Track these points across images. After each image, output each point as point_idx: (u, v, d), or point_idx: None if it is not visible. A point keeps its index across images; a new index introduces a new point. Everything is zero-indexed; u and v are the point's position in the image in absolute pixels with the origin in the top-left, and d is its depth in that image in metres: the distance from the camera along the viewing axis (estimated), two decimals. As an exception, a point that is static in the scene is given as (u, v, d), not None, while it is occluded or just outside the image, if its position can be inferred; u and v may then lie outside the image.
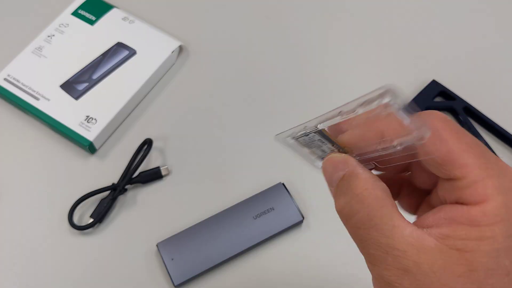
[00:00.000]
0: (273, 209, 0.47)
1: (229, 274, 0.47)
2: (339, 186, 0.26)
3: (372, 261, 0.23)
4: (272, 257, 0.48)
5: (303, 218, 0.47)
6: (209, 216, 0.47)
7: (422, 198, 0.28)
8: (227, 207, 0.48)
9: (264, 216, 0.47)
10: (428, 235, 0.22)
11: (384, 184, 0.25)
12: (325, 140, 0.27)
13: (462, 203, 0.23)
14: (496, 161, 0.23)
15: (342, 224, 0.25)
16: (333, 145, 0.27)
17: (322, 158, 0.28)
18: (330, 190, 0.27)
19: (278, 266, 0.47)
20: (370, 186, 0.24)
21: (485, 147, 0.24)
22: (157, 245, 0.46)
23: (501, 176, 0.22)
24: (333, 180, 0.26)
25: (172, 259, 0.45)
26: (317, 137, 0.27)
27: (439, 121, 0.23)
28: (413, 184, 0.28)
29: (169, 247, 0.46)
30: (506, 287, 0.21)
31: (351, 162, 0.26)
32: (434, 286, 0.21)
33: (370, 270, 0.24)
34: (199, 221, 0.47)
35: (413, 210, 0.29)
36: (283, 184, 0.49)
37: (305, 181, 0.50)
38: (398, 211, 0.24)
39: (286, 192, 0.48)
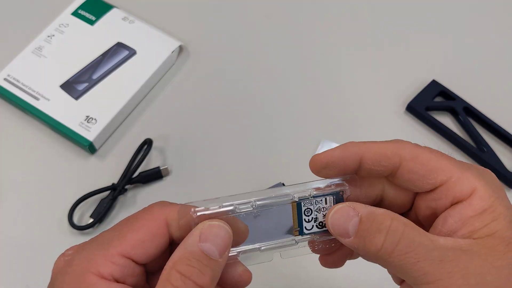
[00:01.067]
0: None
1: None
2: (364, 230, 0.26)
3: (430, 279, 0.24)
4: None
5: None
6: None
7: None
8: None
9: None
10: (458, 239, 0.25)
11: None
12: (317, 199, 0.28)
13: (457, 201, 0.26)
14: (460, 161, 0.27)
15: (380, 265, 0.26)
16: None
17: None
18: (345, 241, 0.26)
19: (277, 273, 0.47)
20: (392, 215, 0.26)
21: (445, 154, 0.28)
22: None
23: (471, 167, 0.27)
24: (349, 229, 0.26)
25: None
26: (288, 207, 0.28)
27: (410, 144, 0.27)
28: None
29: None
30: None
31: (358, 204, 0.27)
32: (493, 272, 0.24)
33: None
34: None
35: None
36: (283, 184, 0.48)
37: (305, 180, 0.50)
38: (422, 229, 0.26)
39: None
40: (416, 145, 0.28)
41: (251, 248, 0.28)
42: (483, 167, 0.28)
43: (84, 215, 0.49)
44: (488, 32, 0.60)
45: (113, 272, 0.25)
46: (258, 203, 0.27)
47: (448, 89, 0.55)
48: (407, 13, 0.62)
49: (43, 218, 0.49)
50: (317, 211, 0.28)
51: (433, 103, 0.54)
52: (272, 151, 0.53)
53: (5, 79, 0.54)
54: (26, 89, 0.53)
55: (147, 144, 0.51)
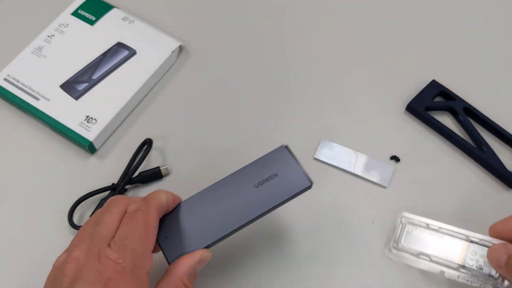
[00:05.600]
0: (277, 175, 0.40)
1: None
2: (510, 265, 0.37)
3: None
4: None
5: (312, 183, 0.40)
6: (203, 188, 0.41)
7: None
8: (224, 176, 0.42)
9: (267, 184, 0.40)
10: None
11: None
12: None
13: None
14: None
15: None
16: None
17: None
18: (500, 272, 0.39)
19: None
20: None
21: None
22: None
23: None
24: (501, 262, 0.38)
25: (166, 237, 0.40)
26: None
27: None
28: None
29: (163, 228, 0.40)
30: None
31: (509, 245, 0.38)
32: None
33: None
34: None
35: None
36: (286, 146, 0.42)
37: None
38: None
39: (290, 156, 0.41)
40: None
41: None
42: None
43: (84, 215, 0.49)
44: (488, 32, 0.60)
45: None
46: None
47: (448, 89, 0.55)
48: (407, 13, 0.62)
49: (43, 218, 0.49)
50: (480, 257, 0.41)
51: (433, 103, 0.54)
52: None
53: (5, 79, 0.54)
54: (26, 89, 0.53)
55: (147, 144, 0.51)
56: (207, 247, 0.39)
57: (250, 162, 0.41)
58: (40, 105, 0.53)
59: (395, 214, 0.46)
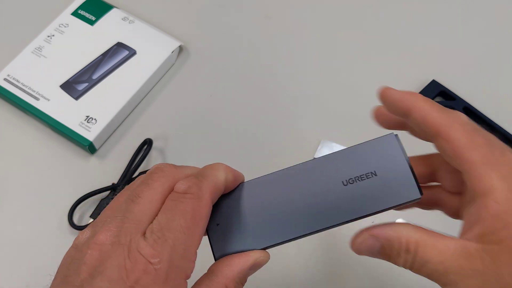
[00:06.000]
0: (376, 175, 0.29)
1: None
2: (387, 254, 0.28)
3: (442, 284, 0.26)
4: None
5: (421, 195, 0.28)
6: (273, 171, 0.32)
7: (457, 202, 0.31)
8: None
9: (360, 184, 0.29)
10: (469, 241, 0.25)
11: (408, 224, 0.27)
12: None
13: (477, 198, 0.26)
14: (501, 152, 0.26)
15: None
16: None
17: None
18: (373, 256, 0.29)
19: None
20: (406, 239, 0.27)
21: (494, 141, 0.27)
22: None
23: (503, 166, 0.26)
24: (374, 253, 0.28)
25: (218, 224, 0.31)
26: None
27: (457, 123, 0.27)
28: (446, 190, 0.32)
29: (215, 211, 0.31)
30: None
31: (377, 229, 0.28)
32: (495, 280, 0.24)
33: None
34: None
35: (455, 215, 0.31)
36: (395, 136, 0.31)
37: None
38: (437, 234, 0.26)
39: (400, 151, 0.30)
40: (466, 126, 0.27)
41: None
42: None
43: (84, 215, 0.49)
44: (488, 32, 0.60)
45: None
46: None
47: (448, 89, 0.55)
48: (407, 13, 0.62)
49: (43, 218, 0.49)
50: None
51: (433, 103, 0.54)
52: (272, 151, 0.53)
53: (5, 79, 0.54)
54: (26, 89, 0.53)
55: (147, 144, 0.51)
56: (265, 247, 0.30)
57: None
58: (40, 105, 0.53)
59: (394, 217, 0.46)
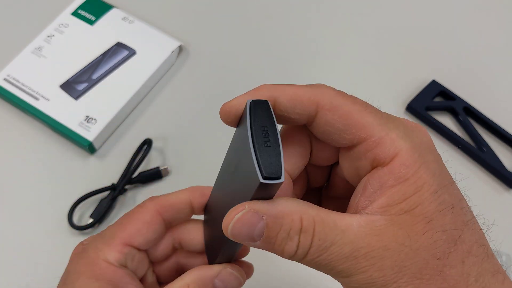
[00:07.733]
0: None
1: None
2: (272, 237, 0.22)
3: (346, 274, 0.22)
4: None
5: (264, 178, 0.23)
6: None
7: (319, 195, 0.30)
8: None
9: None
10: (374, 215, 0.22)
11: (306, 202, 0.23)
12: None
13: (378, 165, 0.22)
14: (387, 115, 0.24)
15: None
16: None
17: None
18: (252, 245, 0.23)
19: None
20: (301, 213, 0.22)
21: (371, 105, 0.24)
22: None
23: (399, 126, 0.23)
24: (255, 236, 0.22)
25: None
26: None
27: (332, 92, 0.24)
28: (309, 183, 0.29)
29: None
30: (458, 218, 0.22)
31: (260, 204, 0.22)
32: (411, 256, 0.21)
33: (347, 285, 0.23)
34: None
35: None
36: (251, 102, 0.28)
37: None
38: (334, 212, 0.22)
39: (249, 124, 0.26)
40: (340, 92, 0.24)
41: None
42: (415, 124, 0.24)
43: (84, 215, 0.49)
44: (488, 32, 0.60)
45: (118, 258, 0.30)
46: None
47: (448, 89, 0.55)
48: (407, 13, 0.62)
49: (43, 218, 0.49)
50: None
51: (433, 103, 0.54)
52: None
53: (5, 79, 0.54)
54: (26, 89, 0.53)
55: (147, 144, 0.51)
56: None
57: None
58: (40, 105, 0.53)
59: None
